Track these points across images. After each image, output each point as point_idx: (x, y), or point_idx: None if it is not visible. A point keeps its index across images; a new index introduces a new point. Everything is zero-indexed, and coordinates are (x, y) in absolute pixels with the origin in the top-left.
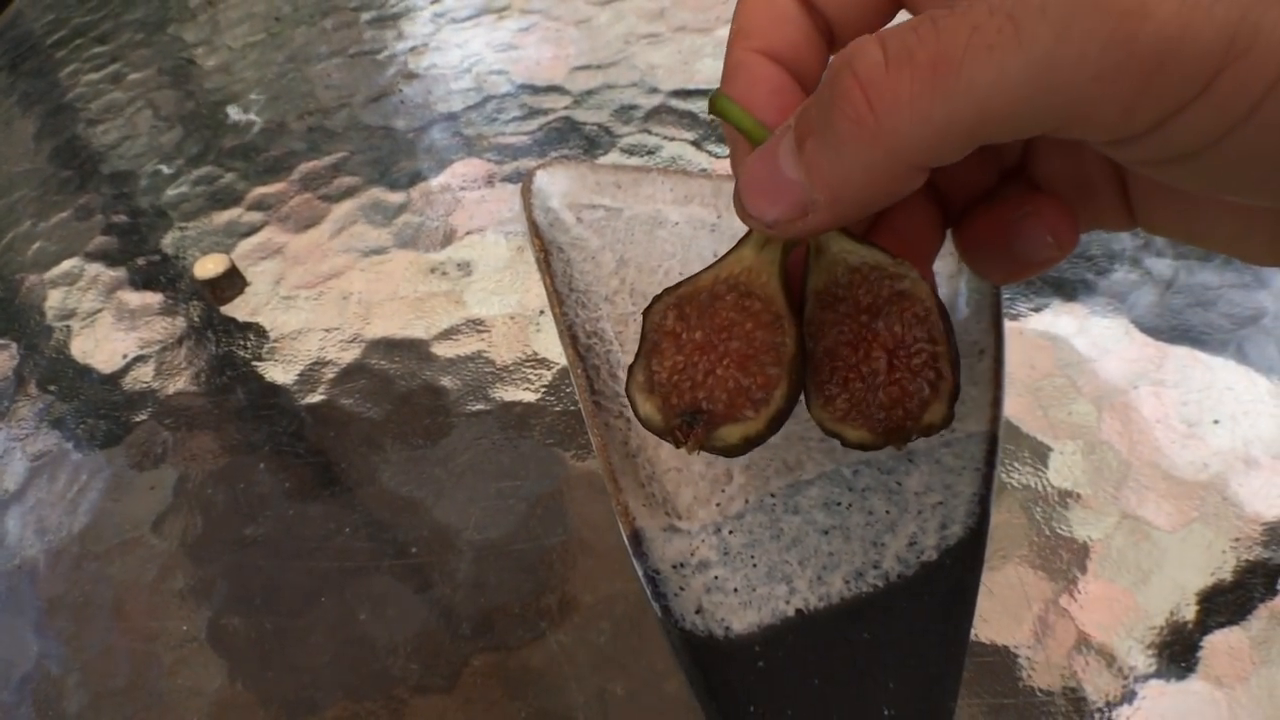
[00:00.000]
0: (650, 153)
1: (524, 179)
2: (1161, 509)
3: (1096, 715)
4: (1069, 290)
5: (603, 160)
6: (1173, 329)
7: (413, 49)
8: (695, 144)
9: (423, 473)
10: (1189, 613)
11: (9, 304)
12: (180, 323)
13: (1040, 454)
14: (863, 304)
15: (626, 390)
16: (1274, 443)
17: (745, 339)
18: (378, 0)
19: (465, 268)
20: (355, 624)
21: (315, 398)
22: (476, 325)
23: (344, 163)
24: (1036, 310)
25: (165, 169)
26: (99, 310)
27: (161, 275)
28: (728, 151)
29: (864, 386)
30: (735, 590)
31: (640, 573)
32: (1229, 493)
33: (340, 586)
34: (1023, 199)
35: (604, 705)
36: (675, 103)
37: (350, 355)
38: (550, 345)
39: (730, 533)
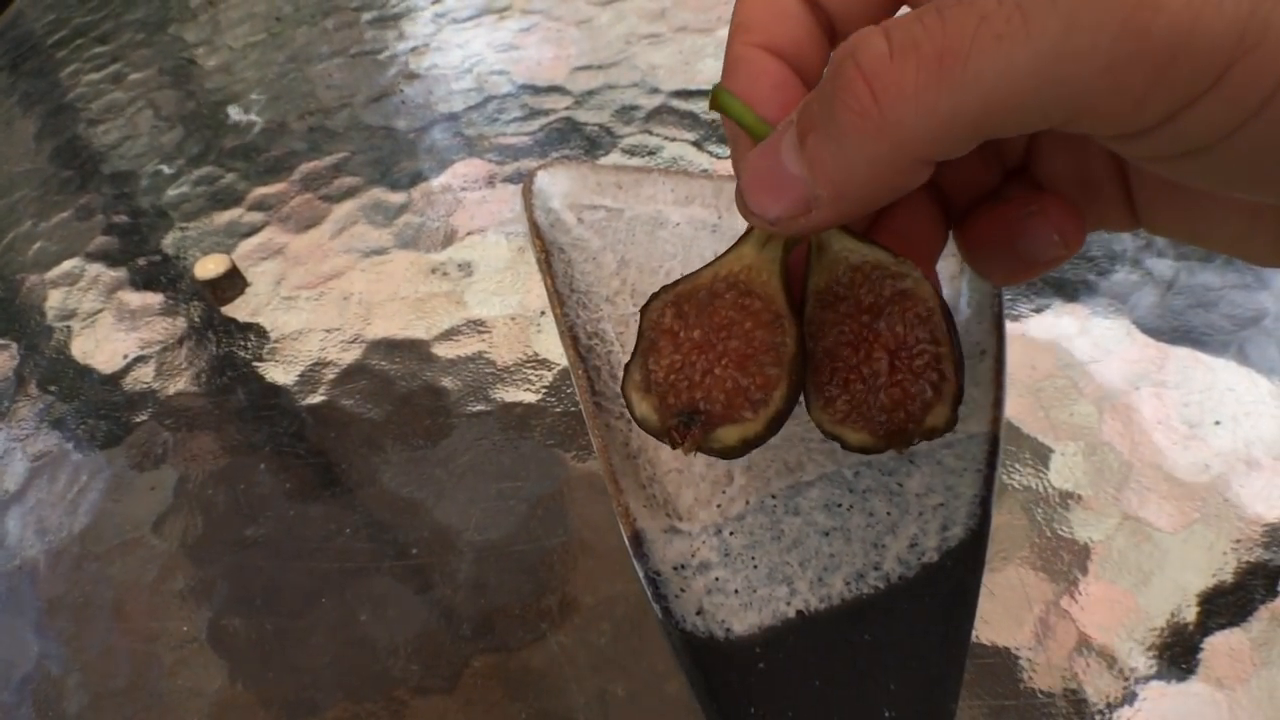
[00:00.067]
0: (651, 153)
1: (525, 179)
2: (1162, 510)
3: (1097, 717)
4: (1070, 291)
5: (604, 161)
6: (1174, 330)
7: (414, 49)
8: (696, 144)
9: (423, 473)
10: (1190, 614)
11: (9, 304)
12: (181, 323)
13: (1041, 455)
14: (864, 303)
15: (622, 389)
16: (1275, 444)
17: (744, 338)
18: (379, 0)
19: (466, 268)
20: (356, 625)
21: (316, 398)
22: (477, 326)
23: (345, 163)
24: (1038, 311)
25: (166, 169)
26: (99, 310)
27: (162, 275)
28: (729, 150)
29: (865, 388)
30: (736, 591)
31: (641, 574)
32: (1230, 494)
33: (341, 587)
34: (1028, 198)
35: (604, 706)
36: (676, 103)
37: (351, 356)
38: (551, 346)
39: (731, 534)
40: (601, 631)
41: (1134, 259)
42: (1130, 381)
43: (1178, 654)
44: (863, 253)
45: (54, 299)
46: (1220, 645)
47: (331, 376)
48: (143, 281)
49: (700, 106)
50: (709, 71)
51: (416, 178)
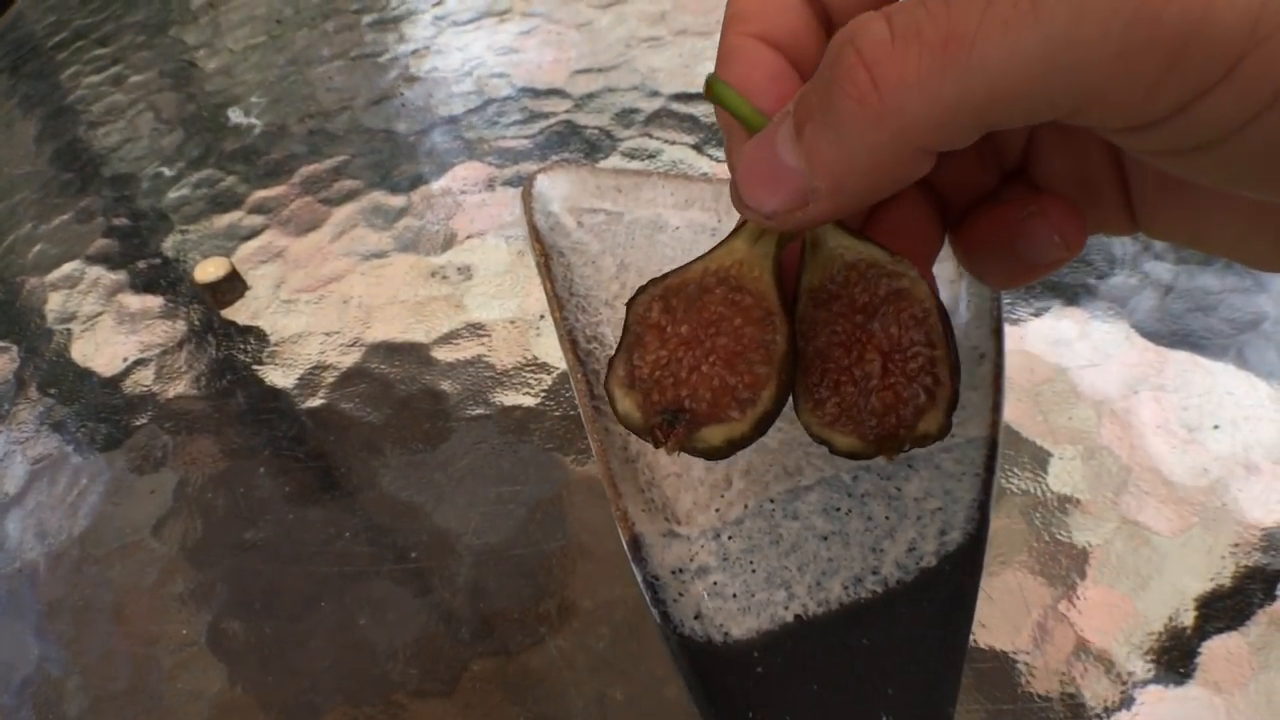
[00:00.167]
0: (651, 156)
1: (524, 183)
2: (1161, 514)
3: None
4: (1069, 295)
5: (604, 164)
6: (1173, 334)
7: (414, 52)
8: (696, 148)
9: (422, 477)
10: (1188, 618)
11: (10, 307)
12: (181, 326)
13: (1040, 459)
14: (858, 303)
15: (605, 385)
16: (1274, 448)
17: (733, 335)
18: (379, 3)
19: (466, 272)
20: (355, 628)
21: (315, 402)
22: (476, 330)
23: (345, 166)
24: (1037, 315)
25: (166, 171)
26: (100, 313)
27: (162, 279)
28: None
29: (856, 391)
30: (734, 596)
31: (639, 578)
32: (1229, 498)
33: (340, 591)
34: (1027, 198)
35: (603, 710)
36: (676, 106)
37: (350, 359)
38: (550, 350)
39: (729, 538)
40: (600, 635)
41: (1133, 263)
42: (1129, 385)
43: (1175, 658)
44: (858, 250)
45: (54, 302)
46: (1218, 649)
47: (331, 380)
48: (143, 284)
49: (700, 110)
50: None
51: (416, 181)
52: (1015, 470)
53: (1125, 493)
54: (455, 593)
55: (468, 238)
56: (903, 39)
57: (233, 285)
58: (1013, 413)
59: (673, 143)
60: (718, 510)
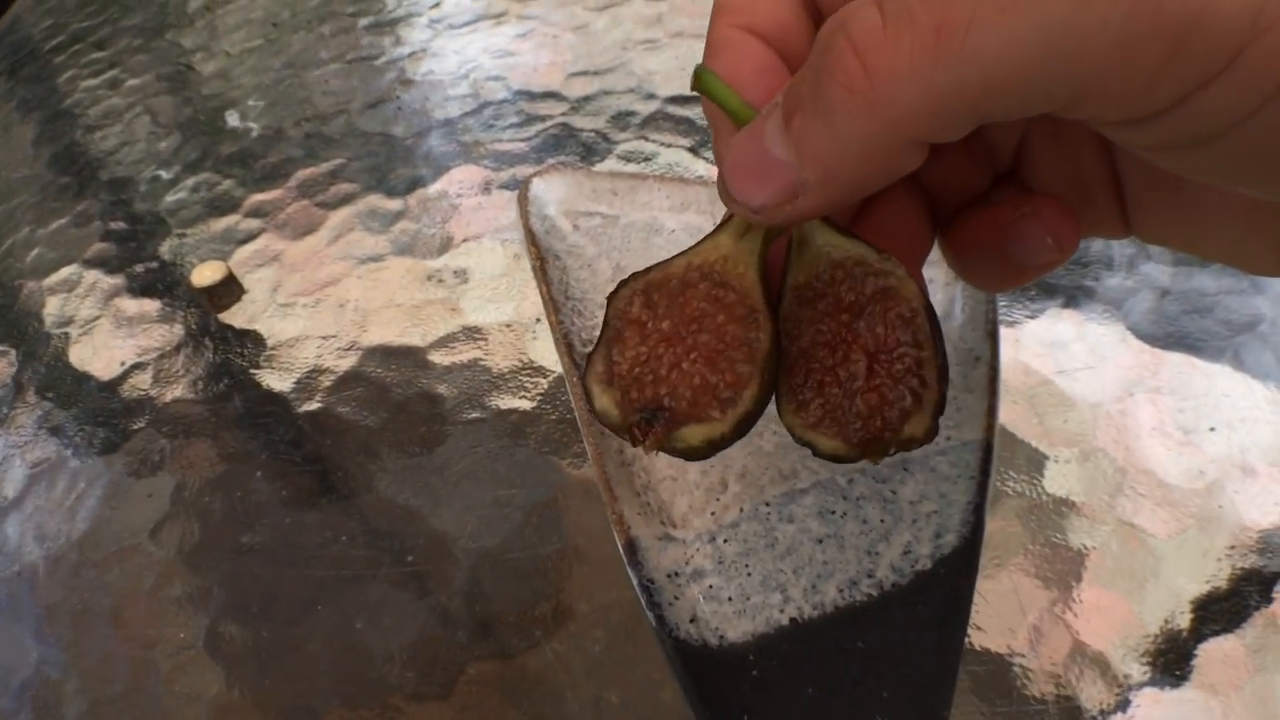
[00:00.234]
0: (647, 159)
1: (520, 186)
2: (1157, 517)
3: None
4: (1065, 297)
5: (600, 167)
6: (1169, 336)
7: (410, 55)
8: (692, 150)
9: (419, 481)
10: (1184, 621)
11: (8, 311)
12: (178, 330)
13: (1036, 462)
14: (844, 301)
15: (583, 381)
16: (1270, 450)
17: (716, 332)
18: (375, 6)
19: (462, 275)
20: (352, 632)
21: (312, 405)
22: (473, 333)
23: (341, 169)
24: (1033, 317)
25: (164, 175)
26: (97, 317)
27: (159, 282)
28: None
29: (840, 392)
30: (730, 599)
31: (635, 581)
32: (1224, 500)
33: (337, 594)
34: (1020, 200)
35: (599, 713)
36: (672, 109)
37: (347, 363)
38: (546, 353)
39: (725, 541)
40: (596, 639)
41: (1129, 265)
42: (1125, 388)
43: (1171, 660)
44: (846, 248)
45: (52, 305)
46: (1214, 652)
47: (328, 384)
48: (140, 288)
49: (696, 112)
50: None
51: (413, 184)
52: (1011, 473)
53: (1121, 495)
54: (452, 596)
55: (464, 241)
56: (895, 25)
57: (229, 289)
58: (1008, 415)
59: (669, 145)
60: (713, 514)
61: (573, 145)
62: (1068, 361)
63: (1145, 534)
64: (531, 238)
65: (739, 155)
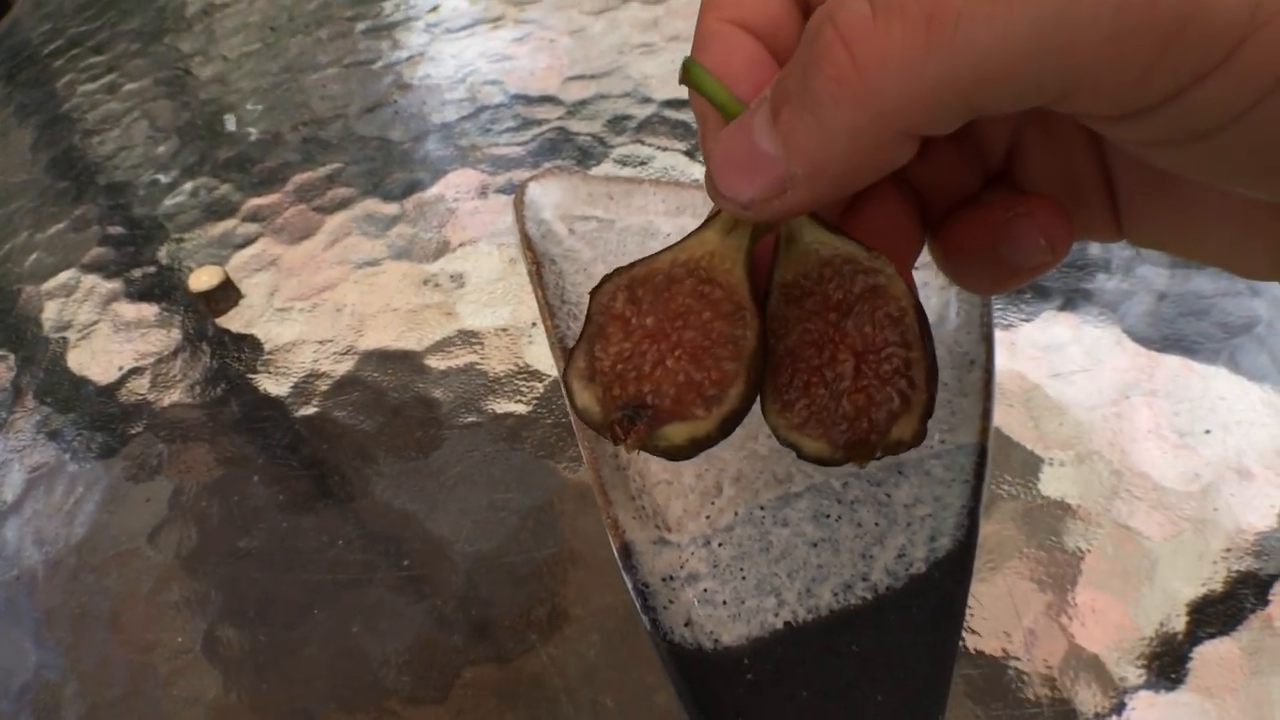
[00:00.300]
0: (643, 163)
1: (516, 191)
2: (1152, 519)
3: None
4: (1060, 300)
5: (596, 171)
6: (1165, 338)
7: (408, 59)
8: (688, 154)
9: (415, 485)
10: (1179, 623)
11: (6, 315)
12: (176, 335)
13: (1031, 465)
14: (832, 300)
15: (563, 377)
16: (1266, 453)
17: (701, 329)
18: (373, 10)
19: (458, 279)
20: (348, 636)
21: (309, 410)
22: (469, 337)
23: (338, 174)
24: (1028, 320)
25: (162, 179)
26: (95, 322)
27: (157, 287)
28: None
29: (827, 393)
30: (724, 603)
31: (630, 585)
32: (1220, 503)
33: (333, 598)
34: (1012, 200)
35: (595, 717)
36: (668, 113)
37: (344, 367)
38: (542, 358)
39: (720, 545)
40: (591, 643)
41: (1125, 267)
42: (1120, 390)
43: (1167, 663)
44: (834, 245)
45: (50, 310)
46: (1210, 655)
47: (324, 388)
48: (138, 293)
49: (692, 116)
50: None
51: (409, 188)
52: (1006, 476)
53: (1117, 498)
54: (448, 600)
55: (460, 245)
56: (884, 15)
57: (226, 294)
58: (1004, 418)
59: (665, 149)
60: (708, 517)
61: (569, 149)
62: (1063, 364)
63: (1141, 537)
64: (527, 242)
65: (727, 149)
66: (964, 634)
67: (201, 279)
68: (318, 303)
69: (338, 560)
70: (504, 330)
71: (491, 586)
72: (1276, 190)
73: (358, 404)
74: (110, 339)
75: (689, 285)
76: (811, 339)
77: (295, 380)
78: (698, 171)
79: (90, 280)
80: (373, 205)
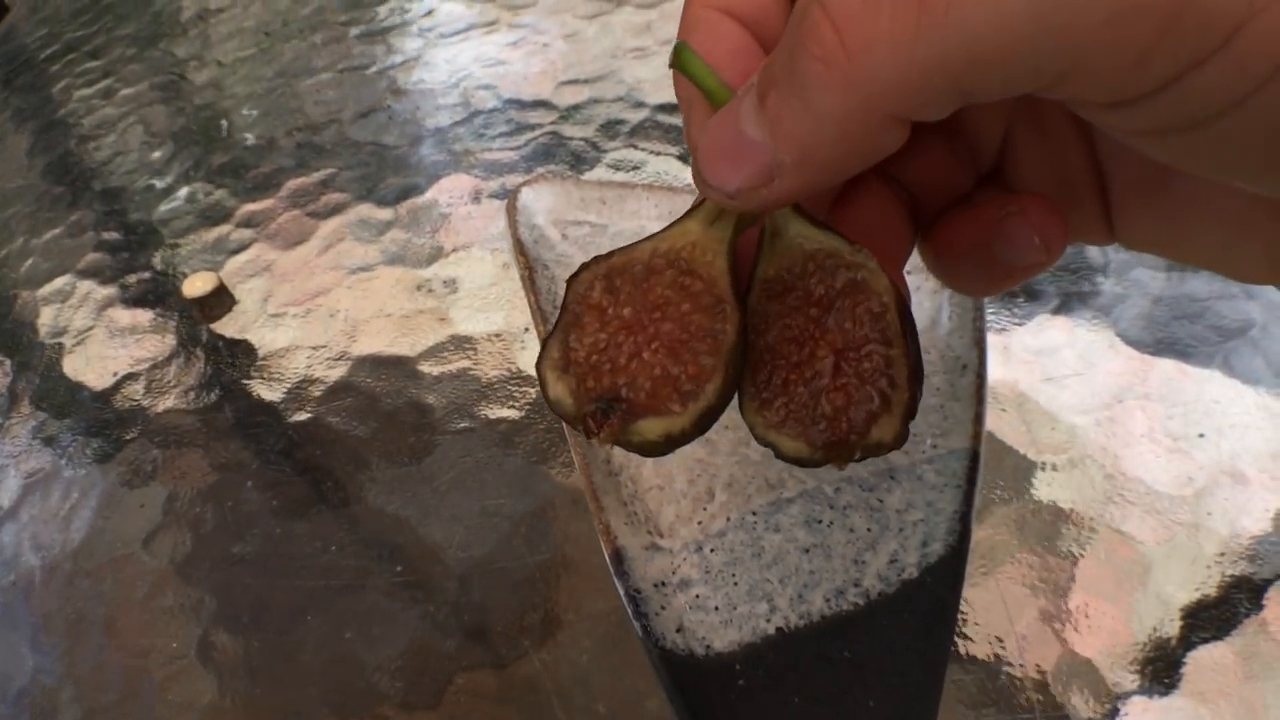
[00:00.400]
0: (636, 168)
1: (509, 196)
2: (1146, 524)
3: None
4: (1053, 303)
5: (589, 175)
6: (1159, 342)
7: (402, 64)
8: (681, 159)
9: (408, 491)
10: (1173, 628)
11: (2, 321)
12: (170, 340)
13: (1024, 469)
14: (814, 295)
15: (537, 367)
16: (1260, 456)
17: (680, 322)
18: (367, 15)
19: (451, 285)
20: (341, 641)
21: (302, 415)
22: (462, 343)
23: (332, 179)
24: (1021, 324)
25: (157, 184)
26: (90, 328)
27: (151, 293)
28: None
29: (805, 391)
30: (716, 609)
31: (621, 592)
32: (1214, 507)
33: (327, 604)
34: (1005, 199)
35: None
36: (662, 117)
37: (337, 373)
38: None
39: (712, 551)
40: (584, 649)
41: (1119, 270)
42: (1114, 394)
43: (1161, 669)
44: (818, 239)
45: (46, 316)
46: (1204, 659)
47: (318, 394)
48: (133, 299)
49: None
50: None
51: (403, 194)
52: (999, 481)
53: (1110, 502)
54: (440, 606)
55: (454, 250)
56: None
57: (220, 299)
58: (996, 423)
59: (657, 154)
60: (700, 523)
61: (562, 154)
62: (1056, 368)
63: (1134, 541)
64: (520, 247)
65: (713, 137)
66: (957, 639)
67: (195, 285)
68: (311, 308)
69: (331, 566)
70: (497, 335)
71: (484, 592)
72: (1275, 184)
73: (351, 410)
74: (105, 344)
75: (669, 276)
76: (792, 335)
77: (289, 386)
78: (689, 176)
79: (86, 286)
80: (366, 210)
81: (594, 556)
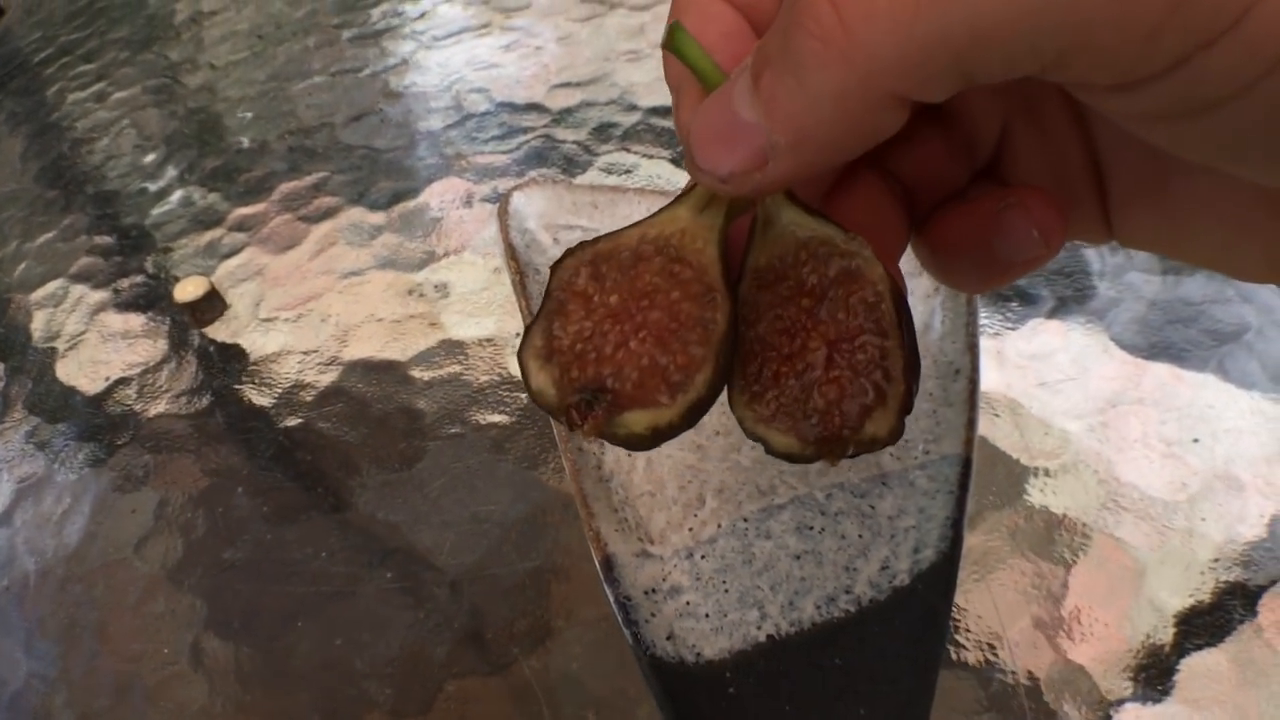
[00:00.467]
0: (628, 171)
1: (500, 200)
2: (1139, 529)
3: None
4: (1047, 307)
5: (581, 179)
6: (1153, 346)
7: (394, 67)
8: (673, 162)
9: (400, 497)
10: (1167, 634)
11: None
12: (162, 345)
13: (1017, 475)
14: (806, 285)
15: (519, 356)
16: (1255, 461)
17: (669, 310)
18: (360, 18)
19: (443, 289)
20: (332, 647)
21: (294, 420)
22: (453, 348)
23: (324, 183)
24: (1014, 328)
25: (149, 188)
26: (83, 332)
27: (143, 297)
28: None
29: (797, 384)
30: (707, 616)
31: (611, 599)
32: (1209, 513)
33: (318, 610)
34: (1003, 192)
35: None
36: (654, 120)
37: (328, 378)
38: None
39: (702, 558)
40: (574, 656)
41: (1113, 274)
42: (1108, 399)
43: (1154, 675)
44: (812, 227)
45: (39, 320)
46: (1198, 666)
47: (309, 399)
48: (125, 303)
49: None
50: None
51: (395, 198)
52: (992, 486)
53: (1104, 508)
54: (432, 612)
55: (445, 255)
56: None
57: (212, 304)
58: (989, 428)
59: (650, 157)
60: (691, 530)
61: (555, 157)
62: (1050, 373)
63: (1128, 547)
64: (511, 252)
65: (706, 120)
66: (949, 646)
67: (187, 289)
68: (303, 313)
69: (322, 572)
70: (488, 340)
71: (475, 599)
72: (1278, 173)
73: (342, 415)
74: (98, 349)
75: (657, 263)
76: (783, 326)
77: (280, 391)
78: (682, 179)
79: (78, 290)
80: (358, 215)
81: (585, 563)
